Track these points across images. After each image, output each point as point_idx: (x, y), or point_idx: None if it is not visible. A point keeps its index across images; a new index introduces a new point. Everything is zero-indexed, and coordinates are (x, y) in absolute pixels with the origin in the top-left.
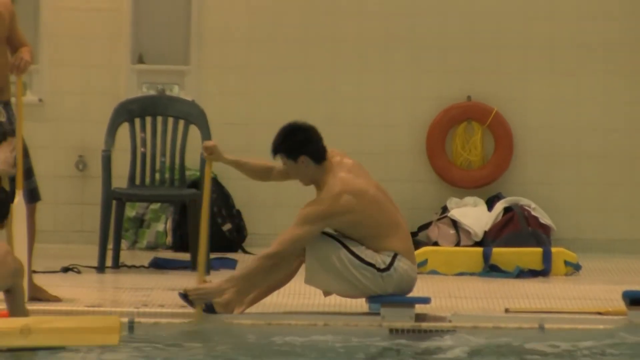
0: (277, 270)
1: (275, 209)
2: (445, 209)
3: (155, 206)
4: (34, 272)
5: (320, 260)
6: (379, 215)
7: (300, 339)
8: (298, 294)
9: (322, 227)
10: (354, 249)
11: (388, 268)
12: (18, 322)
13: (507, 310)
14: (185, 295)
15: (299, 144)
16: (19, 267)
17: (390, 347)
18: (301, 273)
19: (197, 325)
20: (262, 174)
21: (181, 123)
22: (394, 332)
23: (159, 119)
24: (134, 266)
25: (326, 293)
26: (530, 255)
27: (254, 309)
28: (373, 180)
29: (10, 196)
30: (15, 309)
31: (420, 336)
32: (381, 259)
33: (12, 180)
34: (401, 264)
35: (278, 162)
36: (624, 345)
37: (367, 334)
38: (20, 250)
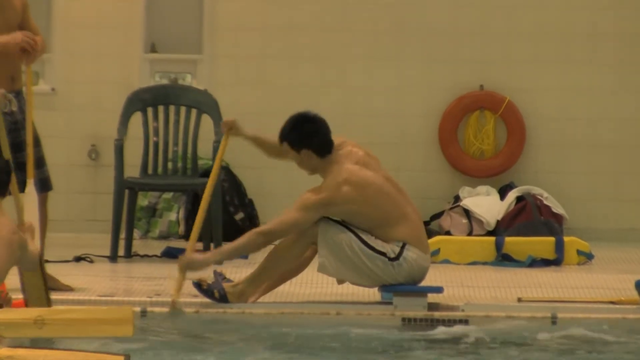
0: (289, 259)
1: (287, 198)
2: (457, 198)
3: (167, 195)
4: (47, 261)
5: (333, 249)
6: (384, 206)
7: (313, 328)
8: (311, 283)
9: (320, 215)
10: (365, 238)
11: (397, 257)
12: (32, 313)
13: (519, 300)
14: (199, 285)
15: (304, 137)
16: (24, 243)
17: (402, 337)
18: (314, 262)
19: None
20: (281, 150)
21: (194, 112)
22: (407, 321)
23: (172, 108)
24: (146, 255)
25: (340, 281)
26: (542, 244)
27: (266, 298)
28: (383, 171)
29: (20, 182)
30: (32, 291)
31: (433, 325)
32: (391, 249)
33: (23, 169)
34: (410, 253)
35: None
36: (637, 334)
37: (379, 323)
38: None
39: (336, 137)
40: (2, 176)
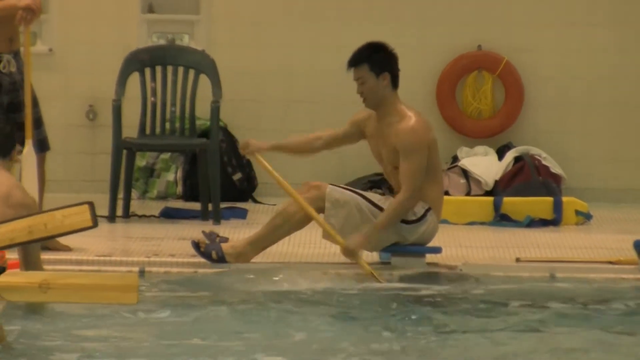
0: (292, 225)
1: (284, 158)
2: (455, 159)
3: (165, 156)
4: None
5: (341, 213)
6: (434, 158)
7: (312, 288)
8: (309, 244)
9: (425, 153)
10: (374, 199)
11: (419, 220)
12: (37, 276)
13: (518, 260)
14: (197, 245)
15: (387, 60)
16: (30, 202)
17: (400, 295)
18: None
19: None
20: (307, 146)
21: (191, 73)
22: (405, 279)
23: (169, 68)
24: (144, 216)
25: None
26: (541, 204)
27: (267, 257)
28: None
29: (20, 143)
30: (28, 255)
31: (431, 281)
32: (412, 210)
33: (22, 129)
34: (431, 219)
35: (325, 131)
36: (635, 293)
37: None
38: None
39: None
40: (6, 142)
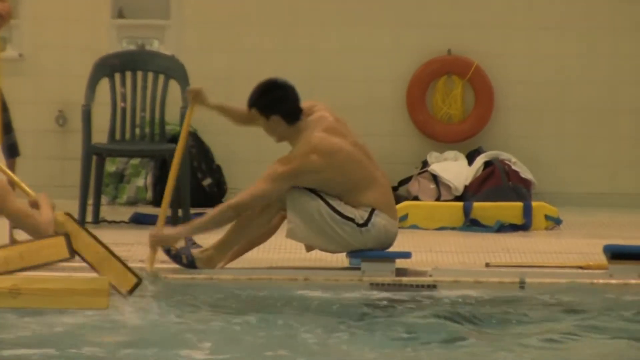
0: (257, 225)
1: (255, 164)
2: (425, 163)
3: (135, 161)
4: (15, 227)
5: (301, 214)
6: (353, 173)
7: (281, 294)
8: (279, 249)
9: (289, 185)
10: (334, 204)
11: (366, 223)
12: (6, 281)
13: (487, 265)
14: (168, 251)
15: (273, 103)
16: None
17: (370, 302)
18: (283, 228)
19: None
20: (247, 118)
21: (161, 78)
22: (375, 286)
23: (139, 73)
24: (114, 221)
25: (308, 248)
26: (510, 209)
27: (235, 263)
28: (352, 136)
29: None
30: (89, 253)
31: (401, 290)
32: (359, 214)
33: None
34: (379, 219)
35: None
36: (604, 299)
37: (347, 288)
38: None
39: (306, 101)
40: None
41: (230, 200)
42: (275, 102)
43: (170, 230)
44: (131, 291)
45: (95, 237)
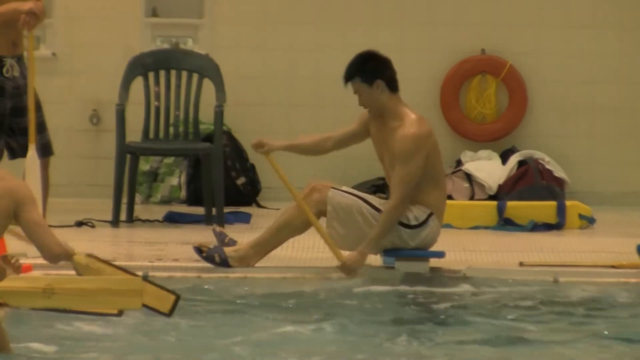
0: (295, 228)
1: (288, 162)
2: (459, 163)
3: (169, 160)
4: (49, 226)
5: (342, 216)
6: (432, 164)
7: (314, 292)
8: (312, 248)
9: (422, 157)
10: (375, 203)
11: (420, 225)
12: (41, 281)
13: (521, 264)
14: (199, 250)
15: (377, 67)
16: (25, 194)
17: (404, 299)
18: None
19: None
20: (318, 146)
21: (195, 77)
22: (408, 283)
23: (173, 72)
24: (148, 220)
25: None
26: (544, 208)
27: (268, 262)
28: None
29: (22, 148)
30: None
31: (435, 286)
32: (413, 215)
33: (25, 134)
34: (432, 224)
35: (335, 132)
36: (638, 298)
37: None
38: None
39: None
40: None
41: (388, 202)
42: (379, 67)
43: (356, 256)
44: (172, 310)
45: (123, 268)
